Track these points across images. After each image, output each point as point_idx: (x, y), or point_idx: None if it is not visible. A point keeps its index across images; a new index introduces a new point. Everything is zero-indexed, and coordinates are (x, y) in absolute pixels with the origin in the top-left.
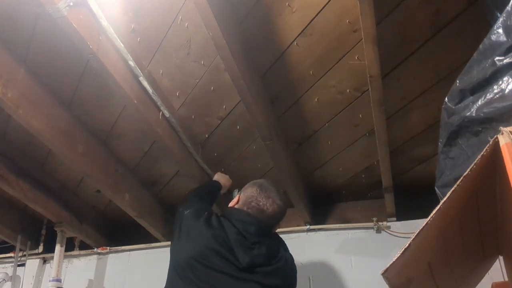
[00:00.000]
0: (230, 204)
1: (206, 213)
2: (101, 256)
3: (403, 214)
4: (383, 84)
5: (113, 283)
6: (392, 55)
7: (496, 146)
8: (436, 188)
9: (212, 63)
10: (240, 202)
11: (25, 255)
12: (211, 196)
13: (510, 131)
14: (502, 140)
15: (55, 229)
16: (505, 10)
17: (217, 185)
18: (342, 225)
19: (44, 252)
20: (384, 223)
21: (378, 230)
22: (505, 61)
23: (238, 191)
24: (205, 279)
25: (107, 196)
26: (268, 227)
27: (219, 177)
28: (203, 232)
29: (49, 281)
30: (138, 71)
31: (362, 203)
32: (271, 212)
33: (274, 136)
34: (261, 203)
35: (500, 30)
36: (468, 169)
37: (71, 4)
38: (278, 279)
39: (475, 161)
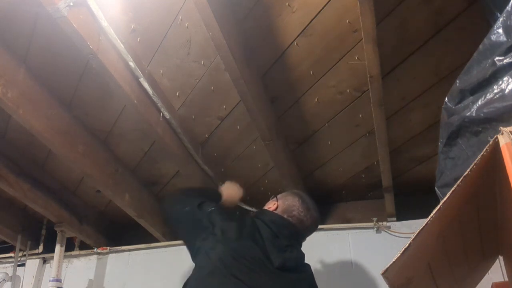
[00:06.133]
0: (266, 207)
1: (237, 212)
2: (101, 256)
3: (403, 214)
4: (383, 84)
5: (113, 283)
6: (392, 55)
7: (496, 146)
8: (436, 188)
9: (212, 63)
10: (279, 209)
11: (25, 255)
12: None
13: (510, 131)
14: (502, 140)
15: (55, 229)
16: (505, 10)
17: (216, 195)
18: (342, 225)
19: (44, 252)
20: (384, 223)
21: (378, 230)
22: (505, 61)
23: (273, 197)
24: (239, 276)
25: (107, 196)
26: (301, 236)
27: (226, 187)
28: (235, 231)
29: (49, 281)
30: (138, 72)
31: (362, 203)
32: (309, 224)
33: (274, 136)
34: (302, 214)
35: (500, 30)
36: (468, 169)
37: (71, 4)
38: (304, 284)
39: (475, 161)
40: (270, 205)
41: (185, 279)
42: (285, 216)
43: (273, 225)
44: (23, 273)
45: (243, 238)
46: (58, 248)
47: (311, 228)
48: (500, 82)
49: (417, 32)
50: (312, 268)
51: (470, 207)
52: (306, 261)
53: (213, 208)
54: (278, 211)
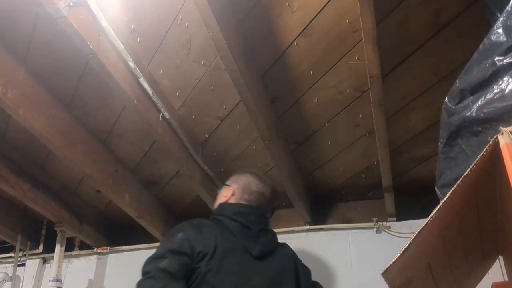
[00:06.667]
0: (223, 200)
1: (195, 222)
2: (101, 256)
3: (403, 214)
4: (383, 84)
5: (113, 283)
6: (392, 55)
7: (496, 146)
8: (436, 188)
9: (212, 63)
10: (237, 193)
11: (25, 255)
12: None
13: (510, 131)
14: (502, 140)
15: (55, 229)
16: (505, 10)
17: None
18: (342, 225)
19: (44, 252)
20: (384, 223)
21: (378, 230)
22: (505, 61)
23: (224, 186)
24: (225, 282)
25: (107, 196)
26: (265, 213)
27: None
28: (207, 240)
29: (49, 281)
30: (138, 72)
31: (362, 203)
32: (269, 194)
33: (274, 136)
34: (260, 186)
35: (500, 30)
36: (468, 169)
37: (71, 4)
38: (288, 263)
39: (475, 161)
40: (226, 194)
41: None
42: (246, 197)
43: (238, 216)
44: (23, 273)
45: (217, 248)
46: (58, 248)
47: (273, 198)
48: (500, 82)
49: (417, 32)
50: (312, 268)
51: (470, 207)
52: (306, 261)
53: (170, 256)
54: (237, 196)
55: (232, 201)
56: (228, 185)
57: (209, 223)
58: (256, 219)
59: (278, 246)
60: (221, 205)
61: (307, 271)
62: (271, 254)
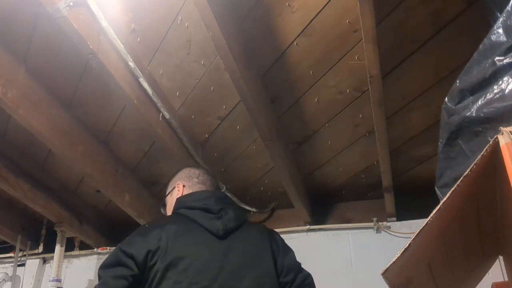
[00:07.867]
0: (176, 195)
1: (147, 225)
2: (101, 256)
3: (403, 214)
4: (383, 84)
5: None
6: (392, 55)
7: (496, 146)
8: (436, 188)
9: (212, 63)
10: (188, 183)
11: (25, 255)
12: None
13: (510, 131)
14: (502, 140)
15: (55, 229)
16: (505, 10)
17: None
18: (342, 225)
19: (44, 252)
20: (384, 223)
21: (378, 230)
22: (505, 61)
23: (170, 189)
24: (191, 274)
25: (107, 196)
26: (221, 192)
27: None
28: (153, 238)
29: (49, 281)
30: (138, 72)
31: (362, 203)
32: (211, 175)
33: (274, 136)
34: (200, 169)
35: (500, 30)
36: (468, 169)
37: (71, 4)
38: (260, 237)
39: (475, 161)
40: (177, 192)
41: None
42: (196, 180)
43: (198, 203)
44: (23, 273)
45: (169, 241)
46: (58, 248)
47: (213, 174)
48: (500, 82)
49: (417, 32)
50: (312, 268)
51: (470, 207)
52: (307, 261)
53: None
54: (189, 185)
55: (186, 192)
56: (174, 187)
57: (161, 221)
58: (215, 200)
59: (244, 222)
60: (178, 199)
61: (287, 249)
62: (238, 230)
